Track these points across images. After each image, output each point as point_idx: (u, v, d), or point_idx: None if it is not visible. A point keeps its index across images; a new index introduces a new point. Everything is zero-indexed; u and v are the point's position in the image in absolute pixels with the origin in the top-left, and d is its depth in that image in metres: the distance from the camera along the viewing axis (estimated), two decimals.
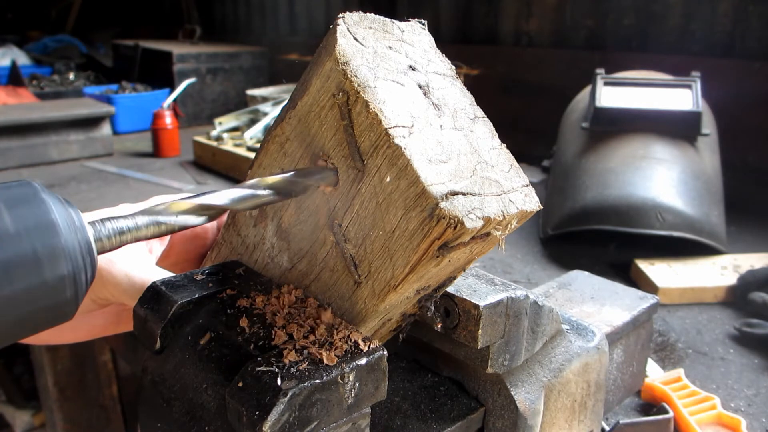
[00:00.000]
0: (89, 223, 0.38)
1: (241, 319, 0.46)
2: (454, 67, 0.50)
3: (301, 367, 0.40)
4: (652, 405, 0.97)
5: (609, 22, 2.33)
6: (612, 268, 1.50)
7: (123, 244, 0.39)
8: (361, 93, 0.42)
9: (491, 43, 2.72)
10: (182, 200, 0.42)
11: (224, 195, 0.43)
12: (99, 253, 0.38)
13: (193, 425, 0.44)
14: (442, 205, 0.40)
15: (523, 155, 1.86)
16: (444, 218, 0.39)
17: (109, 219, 0.39)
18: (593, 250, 1.57)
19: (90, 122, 2.67)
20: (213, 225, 0.68)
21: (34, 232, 0.34)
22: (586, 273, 0.91)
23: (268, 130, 0.51)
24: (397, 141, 0.41)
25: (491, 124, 0.48)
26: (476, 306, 0.51)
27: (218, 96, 3.51)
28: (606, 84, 1.70)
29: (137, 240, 0.40)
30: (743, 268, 1.38)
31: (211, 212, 0.43)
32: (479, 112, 0.48)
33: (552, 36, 2.52)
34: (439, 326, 0.53)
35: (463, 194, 0.41)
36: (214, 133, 2.52)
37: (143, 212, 0.41)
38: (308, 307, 0.47)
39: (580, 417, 0.66)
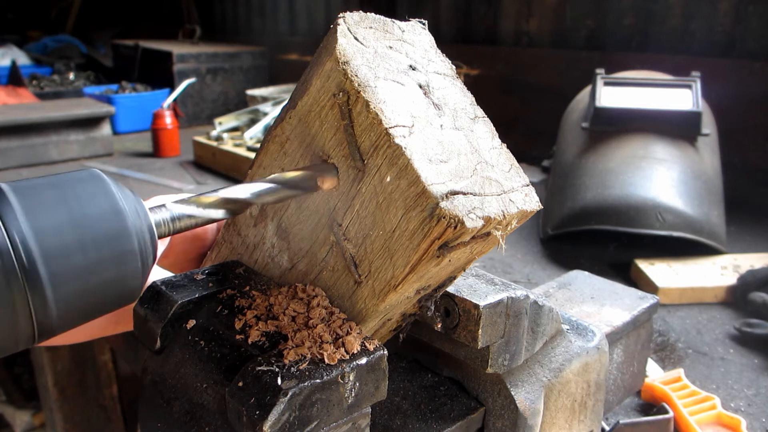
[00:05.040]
0: (150, 209, 0.40)
1: (241, 319, 0.46)
2: (454, 67, 0.50)
3: (301, 367, 0.40)
4: (652, 405, 0.97)
5: (609, 22, 2.33)
6: (612, 268, 1.49)
7: (181, 230, 0.42)
8: (361, 93, 0.42)
9: (491, 43, 2.72)
10: (246, 185, 0.44)
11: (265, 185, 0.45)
12: (159, 237, 0.40)
13: (193, 425, 0.44)
14: (443, 204, 0.40)
15: (523, 155, 1.86)
16: (444, 218, 0.39)
17: (165, 206, 0.41)
18: (593, 250, 1.57)
19: (90, 122, 2.67)
20: (213, 225, 0.68)
21: (104, 214, 0.37)
22: (586, 273, 0.91)
23: (268, 130, 0.51)
24: (397, 141, 0.41)
25: (491, 124, 0.48)
26: (476, 306, 0.51)
27: (218, 96, 3.51)
28: (606, 84, 1.70)
29: (196, 226, 0.42)
30: (743, 268, 1.38)
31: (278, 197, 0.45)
32: (479, 111, 0.48)
33: (552, 36, 2.52)
34: (439, 326, 0.53)
35: (464, 194, 0.41)
36: (214, 133, 2.52)
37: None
38: (312, 306, 0.47)
39: (580, 417, 0.66)
